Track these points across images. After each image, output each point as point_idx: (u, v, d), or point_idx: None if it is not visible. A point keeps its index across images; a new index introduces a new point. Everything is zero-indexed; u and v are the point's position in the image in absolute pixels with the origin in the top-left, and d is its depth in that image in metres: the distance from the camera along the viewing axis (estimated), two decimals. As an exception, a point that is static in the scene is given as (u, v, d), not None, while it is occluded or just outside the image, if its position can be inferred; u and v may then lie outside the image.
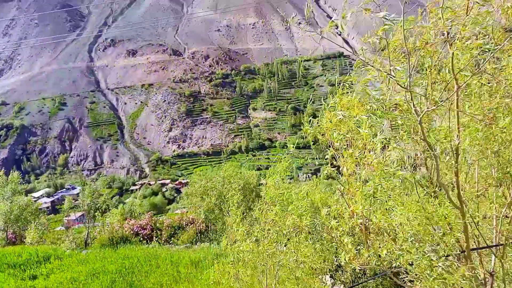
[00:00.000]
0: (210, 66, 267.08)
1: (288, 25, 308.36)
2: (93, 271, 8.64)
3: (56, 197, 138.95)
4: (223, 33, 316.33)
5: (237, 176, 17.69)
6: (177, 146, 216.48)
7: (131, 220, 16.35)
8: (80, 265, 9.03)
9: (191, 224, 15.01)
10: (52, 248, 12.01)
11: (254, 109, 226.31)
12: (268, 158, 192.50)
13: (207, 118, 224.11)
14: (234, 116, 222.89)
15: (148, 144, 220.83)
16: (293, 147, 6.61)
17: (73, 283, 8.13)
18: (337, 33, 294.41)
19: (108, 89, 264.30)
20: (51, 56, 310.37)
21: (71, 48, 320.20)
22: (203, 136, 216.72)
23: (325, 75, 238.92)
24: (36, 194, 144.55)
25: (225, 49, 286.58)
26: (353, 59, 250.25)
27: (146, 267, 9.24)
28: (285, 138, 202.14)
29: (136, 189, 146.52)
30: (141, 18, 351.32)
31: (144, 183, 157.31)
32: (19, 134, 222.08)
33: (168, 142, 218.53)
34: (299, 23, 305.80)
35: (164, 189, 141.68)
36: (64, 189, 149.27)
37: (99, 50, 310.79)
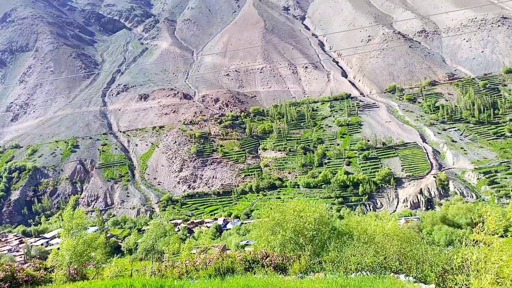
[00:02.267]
0: (219, 108, 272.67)
1: (295, 69, 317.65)
2: None
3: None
4: (232, 77, 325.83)
5: (310, 209, 17.79)
6: (187, 186, 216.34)
7: (201, 254, 16.82)
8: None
9: (266, 258, 15.36)
10: (157, 279, 11.95)
11: (264, 149, 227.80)
12: (279, 198, 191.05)
13: (217, 158, 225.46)
14: (244, 156, 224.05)
15: (159, 184, 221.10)
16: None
17: None
18: (343, 76, 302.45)
19: (120, 131, 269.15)
20: (65, 101, 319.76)
21: (85, 94, 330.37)
22: (213, 176, 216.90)
23: (333, 116, 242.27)
24: (48, 235, 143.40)
25: (234, 92, 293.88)
26: (360, 100, 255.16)
27: None
28: (295, 177, 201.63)
29: (149, 229, 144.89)
30: (153, 65, 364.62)
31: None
32: (31, 176, 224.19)
33: (178, 182, 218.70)
34: (306, 67, 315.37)
35: (176, 229, 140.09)
36: (76, 230, 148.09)
37: (112, 95, 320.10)
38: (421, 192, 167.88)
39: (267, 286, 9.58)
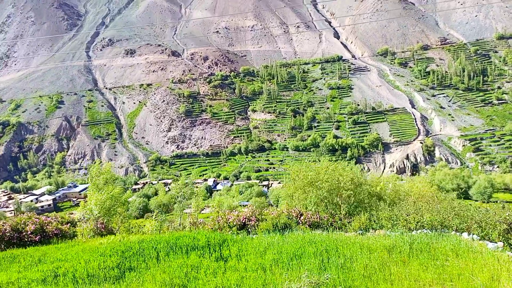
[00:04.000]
0: (209, 67, 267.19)
1: (287, 28, 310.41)
2: (293, 253, 8.62)
3: (58, 194, 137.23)
4: (221, 35, 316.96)
5: (344, 169, 17.61)
6: (176, 146, 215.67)
7: (234, 211, 16.60)
8: (269, 248, 8.93)
9: (300, 216, 15.24)
10: (218, 234, 11.65)
11: (254, 111, 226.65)
12: (268, 160, 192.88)
13: (206, 119, 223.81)
14: (233, 118, 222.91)
15: (147, 144, 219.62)
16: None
17: (277, 264, 8.04)
18: (335, 37, 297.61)
19: (106, 88, 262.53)
20: (47, 54, 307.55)
21: (68, 46, 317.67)
22: (202, 137, 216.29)
23: (324, 79, 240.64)
24: (37, 192, 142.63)
25: (224, 50, 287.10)
26: (352, 63, 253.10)
27: (345, 250, 8.95)
28: (284, 140, 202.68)
29: (139, 188, 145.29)
30: (139, 18, 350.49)
31: (147, 182, 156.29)
32: (16, 131, 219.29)
33: (167, 142, 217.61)
34: (298, 26, 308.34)
35: (166, 189, 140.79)
36: (66, 187, 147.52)
37: (97, 49, 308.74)
38: (407, 157, 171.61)
39: (335, 242, 9.54)
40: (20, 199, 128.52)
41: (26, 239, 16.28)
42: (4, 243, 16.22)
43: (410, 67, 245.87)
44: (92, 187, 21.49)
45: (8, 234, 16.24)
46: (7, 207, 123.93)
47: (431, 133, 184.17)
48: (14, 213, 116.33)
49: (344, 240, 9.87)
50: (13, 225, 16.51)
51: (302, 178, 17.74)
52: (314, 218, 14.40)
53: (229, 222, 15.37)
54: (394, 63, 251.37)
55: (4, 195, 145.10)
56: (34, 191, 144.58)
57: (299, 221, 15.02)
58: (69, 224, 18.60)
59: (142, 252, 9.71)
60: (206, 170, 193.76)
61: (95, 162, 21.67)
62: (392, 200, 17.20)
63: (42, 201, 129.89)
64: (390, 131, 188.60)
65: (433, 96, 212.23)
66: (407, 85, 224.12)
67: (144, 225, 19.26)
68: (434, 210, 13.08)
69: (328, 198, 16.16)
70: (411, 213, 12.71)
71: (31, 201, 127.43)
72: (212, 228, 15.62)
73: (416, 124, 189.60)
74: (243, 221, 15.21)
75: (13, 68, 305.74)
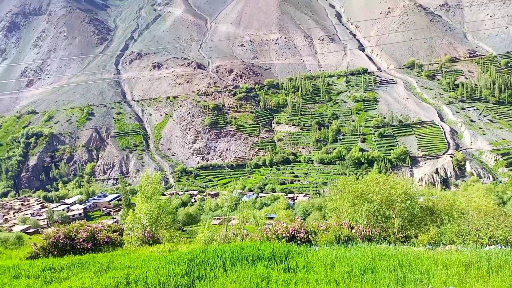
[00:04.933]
0: (233, 80, 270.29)
1: (311, 41, 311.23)
2: (364, 266, 8.59)
3: (88, 204, 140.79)
4: (246, 48, 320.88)
5: (396, 182, 17.25)
6: (201, 158, 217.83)
7: (282, 223, 16.62)
8: (337, 260, 8.89)
9: (352, 229, 15.13)
10: (283, 244, 11.67)
11: (278, 123, 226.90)
12: (293, 172, 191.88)
13: (231, 131, 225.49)
14: (258, 130, 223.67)
15: (173, 155, 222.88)
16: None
17: (350, 277, 8.01)
18: (360, 49, 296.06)
19: (134, 100, 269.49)
20: (79, 67, 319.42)
21: (98, 60, 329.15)
22: (227, 149, 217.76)
23: (349, 91, 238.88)
24: (68, 201, 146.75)
25: (248, 63, 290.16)
26: (377, 76, 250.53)
27: (419, 264, 8.77)
28: (309, 152, 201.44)
29: (166, 199, 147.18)
30: (166, 33, 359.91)
31: (173, 193, 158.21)
32: (48, 142, 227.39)
33: (192, 154, 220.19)
34: (322, 39, 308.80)
35: (192, 200, 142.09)
36: (96, 197, 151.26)
37: (126, 62, 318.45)
38: (437, 171, 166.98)
39: (407, 256, 9.35)
40: (53, 207, 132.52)
41: (78, 246, 16.80)
42: (58, 250, 16.77)
43: (438, 79, 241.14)
44: (141, 197, 21.98)
45: (62, 241, 16.80)
46: (40, 215, 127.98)
47: (461, 147, 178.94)
48: (47, 222, 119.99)
49: (415, 255, 9.66)
50: (66, 232, 17.07)
51: (350, 190, 17.57)
52: (366, 232, 14.23)
53: (278, 234, 15.38)
54: (421, 75, 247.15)
55: (37, 204, 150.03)
56: (66, 200, 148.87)
57: (351, 234, 14.88)
58: (116, 232, 19.05)
59: (208, 261, 9.86)
60: (231, 181, 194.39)
61: (144, 174, 21.98)
62: (447, 215, 16.75)
63: (73, 210, 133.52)
64: (418, 144, 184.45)
65: (463, 109, 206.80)
66: (435, 97, 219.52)
67: (192, 236, 19.45)
68: (503, 225, 12.67)
69: (379, 211, 15.93)
70: (481, 228, 12.36)
71: (63, 210, 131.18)
72: (260, 239, 15.66)
73: (446, 138, 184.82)
74: (292, 233, 15.20)
75: (46, 81, 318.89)
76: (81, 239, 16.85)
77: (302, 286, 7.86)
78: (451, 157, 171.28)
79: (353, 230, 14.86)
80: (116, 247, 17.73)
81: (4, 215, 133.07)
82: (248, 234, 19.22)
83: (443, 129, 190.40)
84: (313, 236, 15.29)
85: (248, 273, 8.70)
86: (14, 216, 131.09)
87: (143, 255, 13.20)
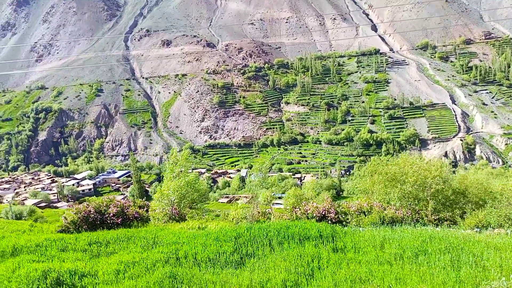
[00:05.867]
0: (243, 58, 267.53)
1: (323, 20, 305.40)
2: (416, 248, 8.48)
3: (98, 179, 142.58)
4: (256, 26, 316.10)
5: (429, 164, 17.06)
6: (209, 136, 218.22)
7: (311, 202, 16.56)
8: (386, 242, 8.85)
9: (383, 210, 15.04)
10: (327, 225, 11.59)
11: (287, 103, 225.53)
12: (300, 153, 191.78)
13: (239, 110, 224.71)
14: (266, 109, 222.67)
15: (181, 133, 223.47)
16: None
17: (402, 258, 7.94)
18: (373, 29, 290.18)
19: (143, 77, 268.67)
20: (88, 43, 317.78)
21: (107, 36, 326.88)
22: (235, 128, 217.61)
23: (360, 72, 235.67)
24: (78, 176, 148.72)
25: (258, 42, 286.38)
26: (389, 57, 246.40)
27: (471, 247, 8.68)
28: (317, 133, 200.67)
29: (174, 176, 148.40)
30: (176, 9, 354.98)
31: (181, 171, 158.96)
32: (57, 117, 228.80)
33: (200, 132, 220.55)
34: (334, 18, 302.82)
35: (201, 178, 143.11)
36: (106, 172, 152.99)
37: (135, 39, 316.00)
38: (446, 155, 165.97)
39: (457, 239, 9.30)
40: (63, 182, 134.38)
41: (108, 221, 17.02)
42: (88, 224, 17.01)
43: (451, 61, 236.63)
44: (169, 173, 22.09)
45: (93, 215, 17.02)
46: (50, 189, 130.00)
47: (472, 130, 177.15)
48: (57, 196, 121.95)
49: (465, 238, 9.61)
50: (96, 207, 17.28)
51: (382, 172, 17.47)
52: (398, 213, 14.21)
53: (308, 213, 15.42)
54: (435, 57, 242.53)
55: (47, 178, 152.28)
56: (76, 176, 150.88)
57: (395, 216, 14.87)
58: (143, 208, 19.25)
59: (254, 239, 9.92)
60: (238, 161, 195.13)
61: (173, 151, 21.95)
62: (480, 199, 16.65)
63: (83, 185, 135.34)
64: (428, 127, 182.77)
65: (475, 92, 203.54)
66: (448, 80, 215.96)
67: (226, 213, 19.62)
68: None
69: (413, 193, 15.87)
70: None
71: (73, 185, 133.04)
72: (289, 219, 15.73)
73: (457, 121, 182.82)
74: (323, 213, 15.22)
75: (55, 56, 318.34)
76: (111, 214, 17.07)
77: (354, 266, 7.87)
78: (461, 140, 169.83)
79: (385, 212, 14.85)
80: (144, 223, 17.95)
81: (15, 189, 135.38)
82: (270, 213, 19.31)
83: (454, 112, 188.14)
84: (343, 216, 15.33)
85: (298, 252, 8.74)
86: (25, 190, 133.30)
87: (176, 231, 13.33)
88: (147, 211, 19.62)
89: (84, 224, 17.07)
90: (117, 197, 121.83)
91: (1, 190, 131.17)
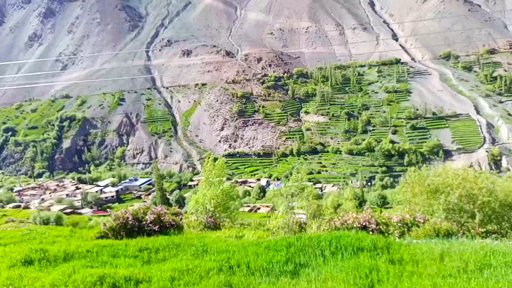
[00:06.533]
0: (262, 68, 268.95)
1: (343, 30, 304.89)
2: (479, 262, 8.15)
3: (120, 187, 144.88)
4: (276, 36, 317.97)
5: (476, 177, 16.58)
6: (228, 145, 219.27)
7: (351, 213, 16.33)
8: (445, 255, 8.62)
9: (424, 222, 14.73)
10: (380, 237, 11.40)
11: (307, 113, 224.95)
12: (320, 163, 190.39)
13: (258, 119, 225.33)
14: (286, 119, 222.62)
15: (200, 142, 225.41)
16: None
17: (466, 272, 7.67)
18: (394, 39, 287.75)
19: (163, 87, 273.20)
20: (111, 54, 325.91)
21: (129, 47, 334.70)
22: (254, 137, 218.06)
23: (380, 82, 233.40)
24: (101, 183, 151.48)
25: (277, 52, 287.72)
26: (411, 66, 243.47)
27: None
28: (338, 143, 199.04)
29: (194, 185, 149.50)
30: (196, 20, 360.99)
31: (201, 179, 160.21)
32: (81, 126, 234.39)
33: (219, 141, 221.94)
34: (354, 28, 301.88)
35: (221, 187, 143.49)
36: (128, 180, 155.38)
37: (156, 49, 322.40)
38: (471, 166, 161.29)
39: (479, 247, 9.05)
40: (86, 189, 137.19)
41: (146, 228, 17.18)
42: (126, 231, 17.22)
43: (475, 71, 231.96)
44: (205, 181, 22.27)
45: (131, 222, 17.23)
46: (75, 196, 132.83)
47: (497, 142, 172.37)
48: (81, 203, 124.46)
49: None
50: (134, 214, 17.48)
51: (424, 183, 17.15)
52: (445, 225, 13.86)
53: (347, 224, 15.20)
54: (458, 67, 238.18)
55: (72, 185, 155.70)
56: (99, 183, 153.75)
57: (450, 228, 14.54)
58: (178, 216, 19.36)
59: (305, 249, 9.81)
60: (258, 170, 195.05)
61: (208, 159, 22.04)
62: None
63: (106, 192, 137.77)
64: (452, 138, 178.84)
65: (501, 102, 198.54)
66: (472, 90, 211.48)
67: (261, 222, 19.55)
68: None
69: (458, 205, 15.51)
70: None
71: (96, 192, 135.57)
72: (328, 229, 15.53)
73: (481, 132, 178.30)
74: (364, 224, 14.98)
75: (79, 66, 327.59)
76: (149, 221, 17.25)
77: (416, 279, 7.67)
78: (486, 151, 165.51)
79: (439, 224, 14.55)
80: (180, 231, 18.04)
81: (41, 195, 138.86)
82: (305, 223, 19.12)
83: (479, 122, 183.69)
84: (384, 227, 15.04)
85: (354, 263, 8.58)
86: (50, 196, 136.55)
87: (217, 239, 13.36)
88: (181, 219, 19.72)
89: (122, 230, 17.29)
90: (138, 204, 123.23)
91: (28, 196, 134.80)
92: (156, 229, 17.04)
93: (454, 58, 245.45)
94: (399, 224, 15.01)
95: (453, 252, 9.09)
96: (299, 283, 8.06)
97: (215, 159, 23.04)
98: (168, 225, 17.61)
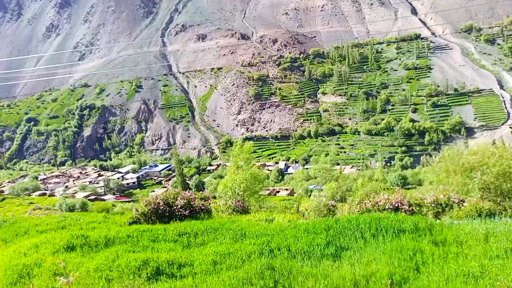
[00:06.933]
0: (278, 50, 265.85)
1: (359, 6, 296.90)
2: None
3: (141, 173, 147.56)
4: (291, 16, 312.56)
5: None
6: (245, 129, 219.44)
7: (382, 194, 16.09)
8: (490, 235, 8.39)
9: (463, 203, 14.38)
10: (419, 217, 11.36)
11: (324, 94, 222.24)
12: (338, 144, 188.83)
13: (275, 102, 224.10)
14: (303, 101, 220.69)
15: (218, 126, 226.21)
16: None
17: None
18: (413, 14, 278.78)
19: (180, 72, 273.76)
20: (127, 41, 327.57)
21: (145, 33, 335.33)
22: (271, 120, 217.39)
23: (400, 59, 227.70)
24: (122, 170, 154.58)
25: (293, 32, 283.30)
26: (431, 41, 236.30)
27: None
28: (356, 123, 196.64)
29: (213, 170, 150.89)
30: (210, 3, 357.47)
31: (220, 163, 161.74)
32: (101, 114, 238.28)
33: (237, 125, 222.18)
34: (371, 3, 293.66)
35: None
36: (148, 166, 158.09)
37: (171, 35, 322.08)
38: (494, 143, 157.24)
39: None
40: (108, 176, 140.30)
41: (176, 213, 17.45)
42: (157, 216, 17.54)
43: (498, 44, 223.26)
44: (233, 166, 22.40)
45: (162, 207, 17.51)
46: (97, 183, 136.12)
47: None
48: (104, 189, 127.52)
49: None
50: (165, 199, 17.74)
51: (459, 162, 16.75)
52: (485, 205, 13.56)
53: (379, 206, 15.05)
54: (480, 40, 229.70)
55: (94, 172, 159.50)
56: (120, 169, 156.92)
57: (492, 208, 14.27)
58: (207, 201, 19.54)
59: (344, 231, 9.78)
60: (276, 153, 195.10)
61: (236, 143, 22.20)
62: None
63: (127, 179, 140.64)
64: (475, 114, 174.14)
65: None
66: (495, 64, 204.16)
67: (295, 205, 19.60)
68: None
69: (495, 183, 15.13)
70: None
71: (118, 178, 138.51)
72: (359, 211, 15.43)
73: (505, 107, 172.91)
74: (396, 205, 14.81)
75: (96, 55, 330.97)
76: (179, 206, 17.49)
77: (462, 261, 7.54)
78: (510, 127, 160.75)
79: (465, 204, 14.26)
80: (209, 215, 18.26)
81: (65, 183, 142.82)
82: (334, 206, 19.05)
83: (502, 97, 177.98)
84: (417, 208, 14.84)
85: (396, 245, 8.51)
86: (74, 183, 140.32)
87: (250, 223, 13.45)
88: (209, 203, 19.92)
89: (154, 215, 17.62)
90: (159, 189, 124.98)
91: (52, 184, 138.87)
92: (187, 214, 17.29)
93: (476, 31, 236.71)
94: (432, 205, 14.76)
95: (498, 232, 8.89)
96: (341, 266, 8.04)
97: (244, 140, 23.02)
98: (198, 210, 17.83)
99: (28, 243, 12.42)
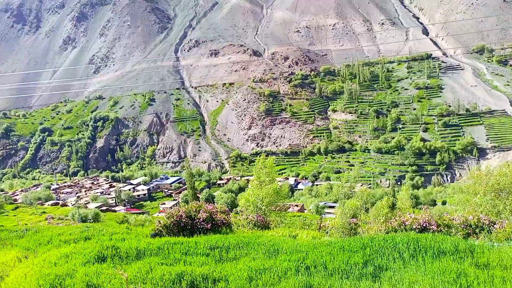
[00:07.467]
0: (289, 66, 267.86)
1: (370, 25, 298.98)
2: None
3: (152, 185, 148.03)
4: (302, 34, 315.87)
5: None
6: (255, 144, 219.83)
7: (408, 213, 15.91)
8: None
9: (493, 225, 14.18)
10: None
11: (334, 111, 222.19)
12: (348, 161, 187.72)
13: (286, 118, 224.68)
14: (313, 117, 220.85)
15: (228, 141, 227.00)
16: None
17: None
18: (424, 33, 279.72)
19: (192, 87, 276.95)
20: (141, 55, 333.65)
21: (159, 48, 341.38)
22: (281, 136, 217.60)
23: (410, 78, 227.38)
24: (133, 181, 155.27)
25: (304, 50, 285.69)
26: (442, 61, 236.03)
27: None
28: (366, 141, 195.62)
29: (223, 184, 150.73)
30: (223, 20, 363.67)
31: (231, 178, 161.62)
32: (114, 126, 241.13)
33: (247, 140, 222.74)
34: (382, 23, 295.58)
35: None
36: (159, 179, 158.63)
37: (184, 50, 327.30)
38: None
39: None
40: (120, 187, 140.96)
41: (198, 226, 17.38)
42: (179, 229, 17.49)
43: (510, 65, 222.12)
44: (255, 180, 22.37)
45: (184, 220, 17.47)
46: (109, 194, 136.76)
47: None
48: (115, 201, 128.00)
49: None
50: (187, 212, 17.72)
51: (489, 183, 16.54)
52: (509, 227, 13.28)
53: (406, 225, 14.84)
54: (492, 61, 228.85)
55: (106, 183, 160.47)
56: (131, 181, 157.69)
57: (492, 230, 14.04)
58: (228, 215, 19.47)
59: (381, 251, 9.63)
60: (285, 169, 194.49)
61: (259, 158, 22.17)
62: None
63: (138, 191, 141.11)
64: (487, 135, 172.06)
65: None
66: (508, 85, 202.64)
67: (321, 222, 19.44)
68: None
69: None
70: None
71: (129, 190, 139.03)
72: (385, 230, 15.22)
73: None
74: (423, 225, 14.58)
75: (111, 68, 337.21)
76: (201, 219, 17.44)
77: (510, 286, 7.34)
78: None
79: (495, 226, 13.98)
80: (230, 229, 18.17)
81: (77, 193, 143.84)
82: (357, 223, 18.84)
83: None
84: (446, 229, 14.58)
85: (437, 266, 8.34)
86: (86, 194, 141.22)
87: (273, 238, 13.34)
88: (229, 217, 19.84)
89: (176, 228, 17.58)
90: (169, 202, 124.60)
91: (64, 194, 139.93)
92: (209, 227, 17.23)
93: (488, 51, 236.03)
94: (461, 226, 14.49)
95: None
96: (382, 287, 7.88)
97: (268, 155, 23.03)
98: (220, 224, 17.76)
99: (57, 252, 12.45)
